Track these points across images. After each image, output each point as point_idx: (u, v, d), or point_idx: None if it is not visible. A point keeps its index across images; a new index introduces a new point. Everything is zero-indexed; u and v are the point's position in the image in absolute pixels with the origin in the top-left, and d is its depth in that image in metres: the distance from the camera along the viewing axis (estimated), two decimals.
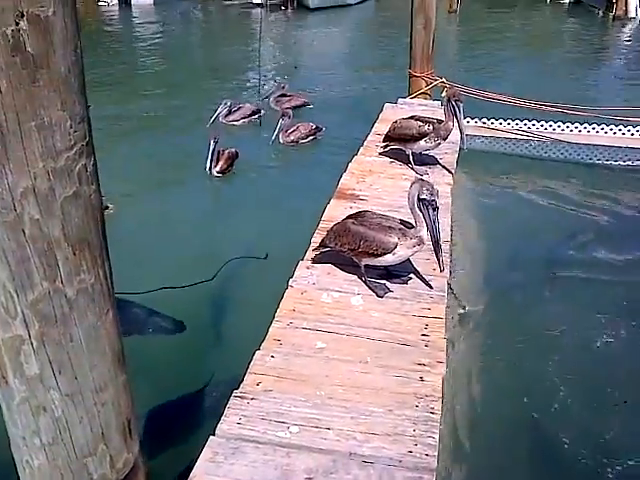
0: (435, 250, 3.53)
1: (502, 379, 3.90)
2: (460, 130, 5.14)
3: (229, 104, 8.53)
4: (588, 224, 5.97)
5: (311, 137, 7.98)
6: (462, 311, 4.44)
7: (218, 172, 6.87)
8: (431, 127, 5.11)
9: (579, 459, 3.31)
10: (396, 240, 3.44)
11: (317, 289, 3.63)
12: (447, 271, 3.89)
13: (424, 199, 3.40)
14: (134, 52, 13.67)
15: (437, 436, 2.62)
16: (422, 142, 5.18)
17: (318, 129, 8.06)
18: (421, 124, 5.17)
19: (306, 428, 2.63)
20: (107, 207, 5.06)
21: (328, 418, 2.68)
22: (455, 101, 4.95)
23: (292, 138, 7.78)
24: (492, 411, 3.63)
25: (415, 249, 3.54)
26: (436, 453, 2.53)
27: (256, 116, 8.67)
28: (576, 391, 3.74)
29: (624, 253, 5.37)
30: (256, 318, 3.44)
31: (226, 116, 8.47)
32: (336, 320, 3.36)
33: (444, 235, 4.32)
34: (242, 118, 8.59)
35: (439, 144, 5.20)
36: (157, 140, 7.95)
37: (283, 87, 9.28)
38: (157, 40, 14.80)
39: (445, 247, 4.20)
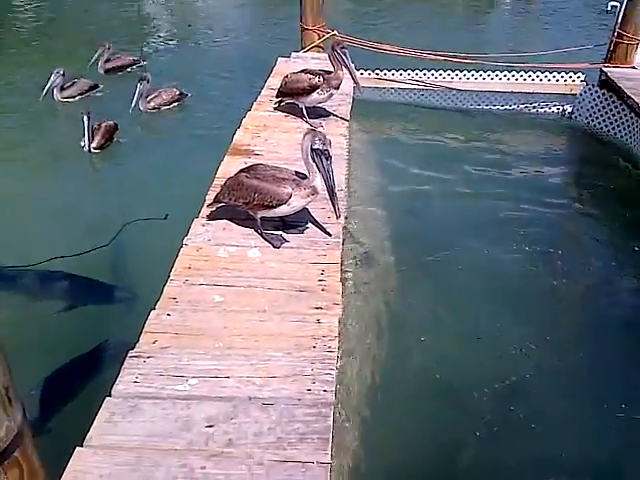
0: (330, 198, 3.57)
1: (402, 318, 4.06)
2: (351, 75, 5.08)
3: (62, 72, 7.61)
4: (480, 168, 6.24)
5: (175, 103, 7.62)
6: (363, 255, 4.55)
7: (95, 148, 6.45)
8: (322, 79, 5.11)
9: (479, 398, 3.42)
10: (290, 191, 3.46)
11: (213, 245, 3.61)
12: (342, 218, 3.97)
13: (317, 149, 3.42)
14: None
15: (334, 372, 2.71)
16: (314, 95, 5.17)
17: (182, 95, 7.73)
18: (312, 77, 5.15)
19: (205, 379, 2.64)
20: None
21: (227, 367, 2.70)
22: (340, 49, 4.94)
23: (153, 105, 7.40)
24: (392, 347, 3.78)
25: (309, 199, 3.57)
26: (333, 389, 2.62)
27: (94, 91, 8.05)
28: (474, 330, 3.93)
29: (515, 197, 5.66)
30: (154, 279, 3.38)
31: (61, 91, 7.71)
32: (233, 274, 3.36)
33: (339, 183, 4.42)
34: (79, 94, 7.86)
35: (332, 95, 5.21)
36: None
37: (108, 48, 8.67)
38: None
39: (340, 195, 4.28)
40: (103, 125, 6.59)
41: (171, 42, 10.81)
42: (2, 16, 12.48)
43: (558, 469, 2.96)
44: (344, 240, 4.31)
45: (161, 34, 11.33)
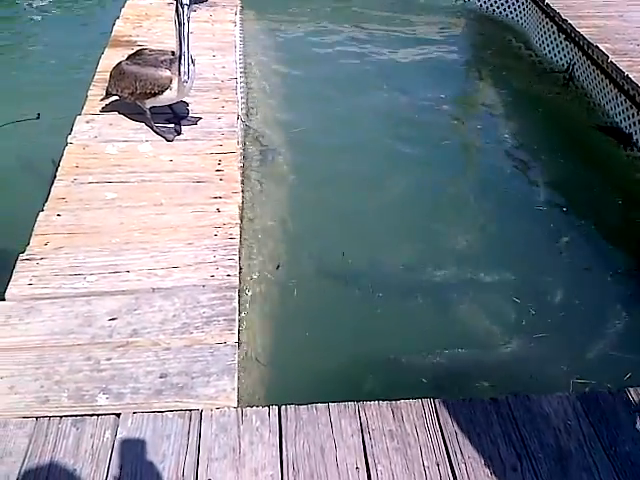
0: (179, 56, 3.19)
1: (303, 207, 4.04)
2: None
3: None
4: (374, 51, 6.16)
5: None
6: (262, 145, 4.47)
7: None
8: None
9: (383, 277, 3.45)
10: (169, 74, 3.27)
11: (100, 142, 3.42)
12: (236, 106, 3.86)
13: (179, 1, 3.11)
14: None
15: (237, 257, 2.72)
16: None
17: None
18: None
19: (104, 275, 2.58)
20: None
21: (127, 262, 2.65)
22: None
23: None
24: (295, 230, 3.77)
25: (182, 76, 3.21)
26: (237, 273, 2.64)
27: None
28: (373, 217, 3.93)
29: (411, 81, 5.64)
30: (38, 181, 3.18)
31: None
32: (125, 170, 3.22)
33: (230, 71, 4.25)
34: None
35: None
36: None
37: None
38: None
39: (233, 84, 4.14)
40: None
41: None
42: None
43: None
44: (243, 130, 4.22)
45: None
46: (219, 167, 3.31)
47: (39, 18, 6.62)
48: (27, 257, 2.63)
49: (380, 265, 3.48)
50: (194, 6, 4.94)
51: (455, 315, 3.23)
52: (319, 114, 4.98)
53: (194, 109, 3.75)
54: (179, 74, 3.24)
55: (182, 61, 3.20)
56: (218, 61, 4.39)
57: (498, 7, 7.15)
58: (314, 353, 2.87)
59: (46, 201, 2.95)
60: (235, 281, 2.61)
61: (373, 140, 4.70)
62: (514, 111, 5.18)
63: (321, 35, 6.38)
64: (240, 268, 2.77)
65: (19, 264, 2.59)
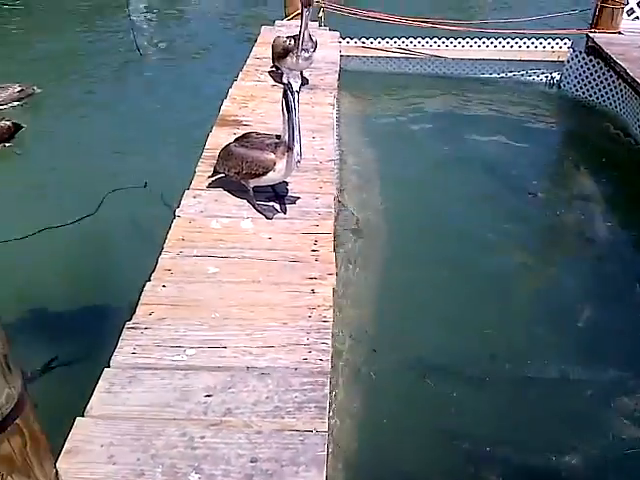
0: (289, 133, 3.30)
1: (395, 290, 4.07)
2: (301, 31, 4.89)
3: None
4: (469, 137, 6.24)
5: (19, 100, 6.97)
6: (356, 226, 4.57)
7: None
8: (293, 41, 5.04)
9: (475, 377, 3.41)
10: (273, 157, 3.43)
11: (205, 217, 3.60)
12: (333, 188, 3.98)
13: (287, 83, 3.25)
14: None
15: (330, 342, 2.74)
16: (288, 58, 5.11)
17: (25, 91, 7.03)
18: (285, 39, 5.11)
19: (203, 349, 2.66)
20: None
21: (224, 337, 2.72)
22: (305, 8, 4.79)
23: None
24: (386, 319, 3.81)
25: (286, 157, 3.38)
26: (329, 358, 2.66)
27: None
28: (466, 304, 3.91)
29: (505, 167, 5.65)
30: (144, 248, 3.39)
31: None
32: (227, 245, 3.36)
33: (329, 154, 4.41)
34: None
35: (308, 58, 5.08)
36: None
37: None
38: None
39: (330, 165, 4.28)
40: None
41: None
42: None
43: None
44: (337, 211, 4.32)
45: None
46: (315, 247, 3.40)
47: (153, 96, 7.19)
48: (133, 325, 2.76)
49: (472, 355, 3.41)
50: None
51: (550, 411, 3.09)
52: (411, 196, 5.05)
53: (293, 189, 3.90)
54: (287, 156, 3.39)
55: (294, 143, 3.30)
56: (317, 143, 4.57)
57: (594, 93, 7.11)
58: (404, 446, 2.81)
59: (153, 271, 3.11)
60: (327, 366, 2.62)
61: (464, 225, 4.69)
62: (613, 202, 5.05)
63: (415, 118, 6.55)
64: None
65: (125, 332, 2.72)
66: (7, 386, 1.71)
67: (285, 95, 3.31)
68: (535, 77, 7.64)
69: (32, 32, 9.41)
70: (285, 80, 3.25)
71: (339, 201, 4.35)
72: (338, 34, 6.92)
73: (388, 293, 3.90)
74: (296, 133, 3.31)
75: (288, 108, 3.32)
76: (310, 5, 4.84)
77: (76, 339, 3.42)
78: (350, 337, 3.44)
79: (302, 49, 4.96)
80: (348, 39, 7.39)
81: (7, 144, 6.07)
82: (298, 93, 3.34)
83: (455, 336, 3.53)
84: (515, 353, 3.45)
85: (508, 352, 3.45)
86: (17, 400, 1.76)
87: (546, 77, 7.61)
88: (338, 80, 5.81)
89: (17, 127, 6.20)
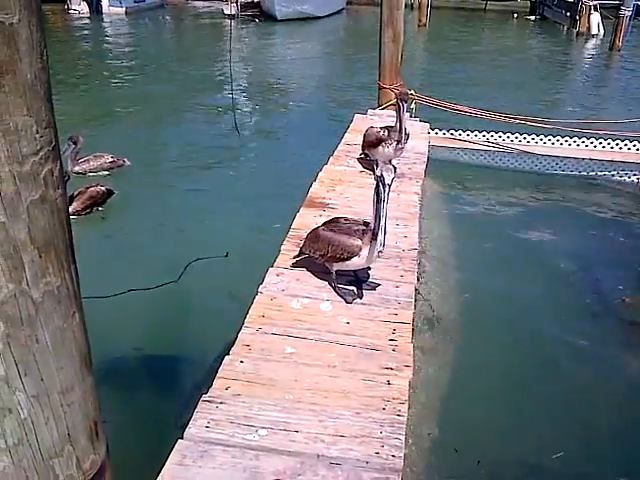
0: (376, 222, 3.35)
1: (470, 384, 3.97)
2: (400, 124, 5.04)
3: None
4: (554, 236, 6.13)
5: (109, 170, 7.45)
6: (432, 317, 4.51)
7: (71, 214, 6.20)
8: (386, 132, 5.20)
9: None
10: (359, 243, 3.48)
11: (286, 295, 3.66)
12: (414, 277, 3.97)
13: (379, 176, 3.33)
14: (100, 61, 13.62)
15: (403, 438, 2.66)
16: (380, 148, 5.26)
17: (116, 162, 7.52)
18: (379, 130, 5.28)
19: (275, 431, 2.65)
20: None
21: (296, 421, 2.71)
22: (400, 100, 4.97)
23: (77, 169, 7.25)
24: (459, 415, 3.69)
25: (371, 245, 3.43)
26: (402, 454, 2.58)
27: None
28: (547, 390, 3.79)
29: (589, 268, 5.50)
30: (223, 320, 3.47)
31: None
32: (305, 326, 3.40)
33: (412, 243, 4.43)
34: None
35: (400, 149, 5.23)
36: None
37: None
38: (126, 50, 14.74)
39: (413, 254, 4.30)
40: (89, 190, 6.44)
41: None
42: None
43: None
44: (415, 300, 4.30)
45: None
46: (393, 336, 3.37)
47: (243, 173, 7.57)
48: (208, 399, 2.80)
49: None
50: None
51: None
52: (490, 291, 4.96)
53: (374, 275, 3.92)
54: (372, 244, 3.44)
55: (379, 233, 3.36)
56: (401, 230, 4.61)
57: None
58: None
59: (232, 345, 3.17)
60: (399, 463, 2.54)
61: (545, 325, 4.54)
62: None
63: (498, 209, 6.52)
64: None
65: (200, 404, 2.76)
66: (93, 452, 1.76)
67: (377, 186, 3.42)
68: (626, 178, 7.48)
69: (136, 103, 10.21)
70: (378, 173, 3.35)
71: (419, 292, 4.33)
72: (428, 125, 7.10)
73: (460, 387, 3.78)
74: (382, 223, 3.37)
75: (378, 199, 3.42)
76: (406, 100, 5.04)
77: (151, 403, 3.49)
78: (422, 432, 3.33)
79: (397, 141, 5.12)
80: (437, 130, 7.56)
81: (100, 208, 6.54)
82: (389, 186, 3.44)
83: (528, 437, 3.36)
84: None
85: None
86: (100, 465, 1.81)
87: (638, 179, 7.43)
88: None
89: (110, 193, 6.68)
